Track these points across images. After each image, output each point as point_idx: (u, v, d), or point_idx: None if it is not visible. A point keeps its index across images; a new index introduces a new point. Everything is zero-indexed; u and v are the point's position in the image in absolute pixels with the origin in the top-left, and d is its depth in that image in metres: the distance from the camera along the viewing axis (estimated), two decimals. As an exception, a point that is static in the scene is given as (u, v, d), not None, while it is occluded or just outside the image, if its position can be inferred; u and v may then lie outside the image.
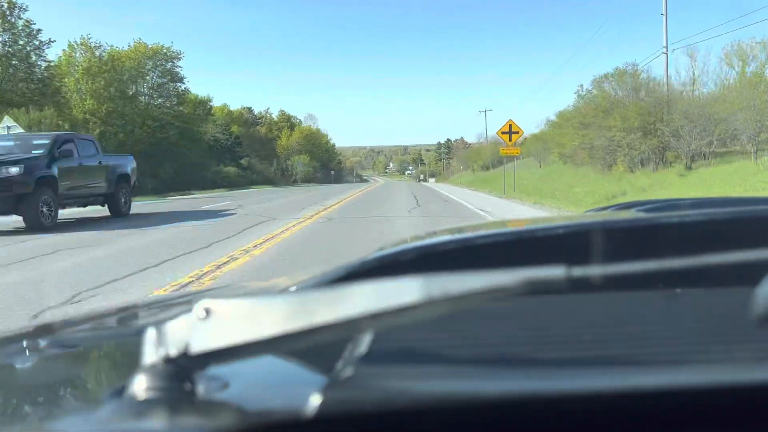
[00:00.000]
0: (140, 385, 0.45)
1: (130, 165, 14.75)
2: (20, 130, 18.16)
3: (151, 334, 0.46)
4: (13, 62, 35.29)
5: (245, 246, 8.19)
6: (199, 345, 0.44)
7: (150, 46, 45.61)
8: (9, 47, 35.26)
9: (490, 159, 62.58)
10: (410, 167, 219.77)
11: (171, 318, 0.46)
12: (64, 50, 39.15)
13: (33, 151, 11.68)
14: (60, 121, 32.87)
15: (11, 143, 12.32)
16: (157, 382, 0.44)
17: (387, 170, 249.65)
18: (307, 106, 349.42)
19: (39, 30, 36.62)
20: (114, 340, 0.85)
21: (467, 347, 0.60)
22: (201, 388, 0.46)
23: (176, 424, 0.42)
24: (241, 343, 0.43)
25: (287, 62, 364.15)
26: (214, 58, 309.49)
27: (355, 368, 0.51)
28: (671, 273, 0.43)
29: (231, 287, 1.57)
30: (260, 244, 8.47)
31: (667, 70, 26.85)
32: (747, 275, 0.49)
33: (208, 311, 0.45)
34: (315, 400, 0.43)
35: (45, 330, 0.92)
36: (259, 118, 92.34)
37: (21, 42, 35.60)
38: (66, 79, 38.13)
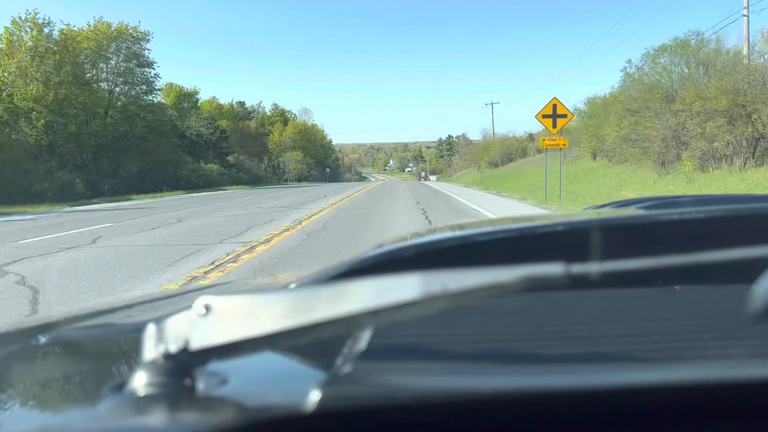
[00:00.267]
0: (140, 381, 0.45)
1: None
2: None
3: (151, 330, 0.46)
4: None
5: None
6: (199, 341, 0.44)
7: (114, 27, 38.68)
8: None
9: (499, 155, 55.86)
10: (410, 164, 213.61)
11: (171, 314, 0.46)
12: (6, 27, 32.33)
13: None
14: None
15: None
16: (157, 377, 0.44)
17: (387, 167, 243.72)
18: (306, 103, 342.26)
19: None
20: (114, 336, 0.84)
21: (466, 343, 0.60)
22: (201, 384, 0.46)
23: (176, 420, 0.42)
24: (240, 340, 0.43)
25: (285, 59, 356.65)
26: (211, 54, 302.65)
27: (355, 364, 0.51)
28: (669, 270, 0.43)
29: (231, 284, 1.56)
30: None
31: (748, 38, 20.28)
32: (744, 272, 0.49)
33: (207, 308, 0.45)
34: (314, 396, 0.43)
35: (45, 326, 0.91)
36: (251, 113, 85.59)
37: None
38: (5, 61, 31.23)
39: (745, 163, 17.09)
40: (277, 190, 31.91)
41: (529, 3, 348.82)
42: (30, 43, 32.93)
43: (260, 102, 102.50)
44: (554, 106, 15.96)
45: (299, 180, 74.72)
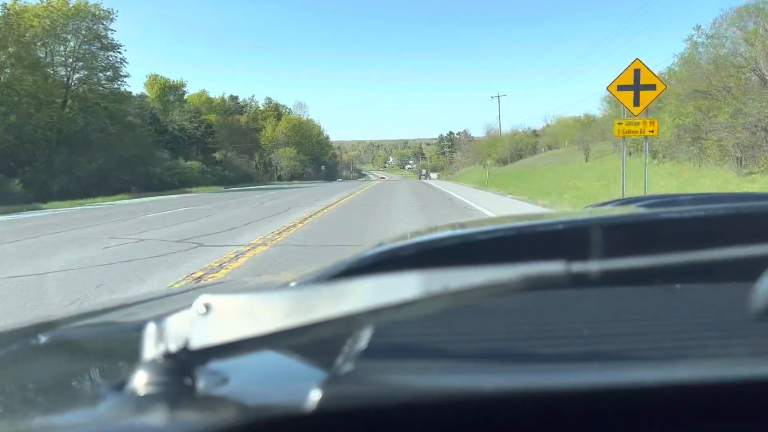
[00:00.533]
0: (140, 380, 0.44)
1: None
2: None
3: (151, 329, 0.45)
4: None
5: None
6: (199, 340, 0.44)
7: (72, 4, 32.79)
8: None
9: (508, 152, 50.19)
10: (410, 161, 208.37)
11: (171, 313, 0.46)
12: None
13: None
14: None
15: None
16: (157, 377, 0.44)
17: (387, 164, 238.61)
18: (305, 100, 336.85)
19: None
20: (114, 335, 0.84)
21: (467, 342, 0.60)
22: (201, 383, 0.46)
23: (176, 419, 0.41)
24: (240, 339, 0.43)
25: (284, 56, 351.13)
26: (210, 52, 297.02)
27: (355, 363, 0.51)
28: (670, 269, 0.42)
29: (231, 283, 1.51)
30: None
31: None
32: (745, 271, 0.49)
33: (208, 307, 0.44)
34: (315, 395, 0.43)
35: (45, 325, 0.90)
36: (243, 107, 79.76)
37: None
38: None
39: None
40: (251, 194, 25.94)
41: (530, 1, 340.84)
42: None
43: (253, 96, 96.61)
44: (636, 72, 10.16)
45: (292, 178, 69.06)
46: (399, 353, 0.56)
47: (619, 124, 10.65)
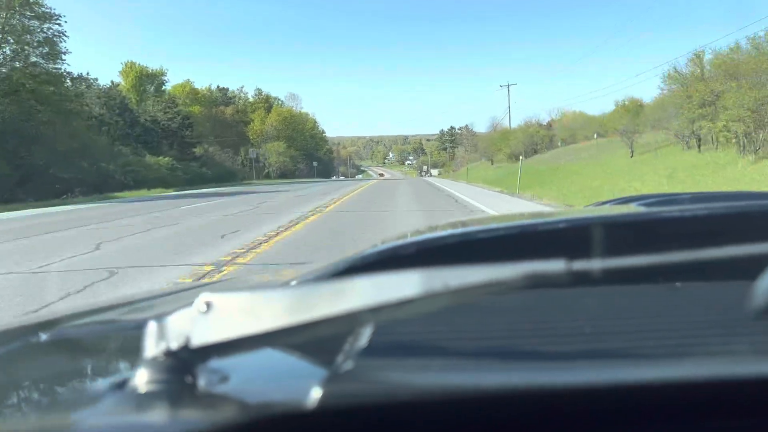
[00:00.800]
0: (142, 378, 0.44)
1: None
2: None
3: (152, 327, 0.45)
4: None
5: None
6: (200, 338, 0.44)
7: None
8: None
9: (522, 146, 43.44)
10: (410, 157, 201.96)
11: (172, 311, 0.46)
12: None
13: None
14: None
15: None
16: (158, 375, 0.44)
17: (386, 160, 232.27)
18: (304, 97, 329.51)
19: None
20: (116, 333, 0.84)
21: (468, 340, 0.60)
22: (202, 381, 0.46)
23: (177, 417, 0.41)
24: (241, 337, 0.43)
25: (283, 52, 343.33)
26: (209, 48, 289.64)
27: (356, 361, 0.51)
28: (671, 267, 0.42)
29: (232, 281, 1.53)
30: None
31: None
32: (746, 269, 0.49)
33: (208, 305, 0.44)
34: (315, 393, 0.43)
35: (47, 323, 0.90)
36: (231, 98, 72.72)
37: None
38: None
39: None
40: (199, 201, 18.27)
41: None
42: None
43: (242, 87, 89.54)
44: None
45: (282, 176, 62.21)
46: (400, 351, 0.55)
47: None
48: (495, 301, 0.69)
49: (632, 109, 33.28)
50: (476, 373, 0.49)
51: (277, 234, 8.78)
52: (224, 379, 0.48)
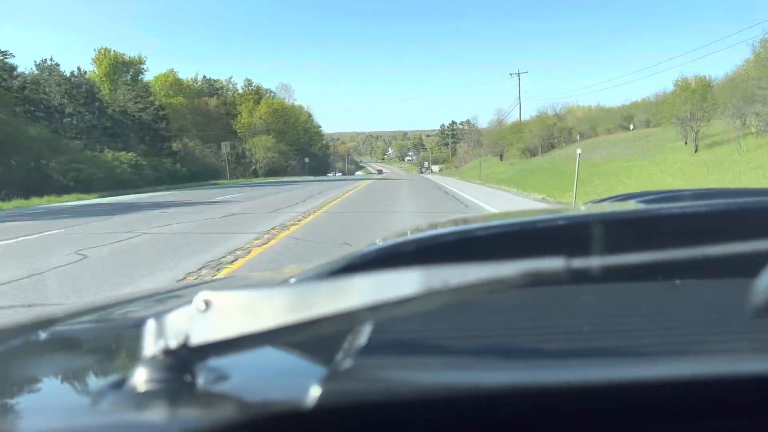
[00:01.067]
0: (140, 377, 0.44)
1: None
2: None
3: (151, 325, 0.45)
4: None
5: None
6: (199, 337, 0.43)
7: None
8: None
9: (539, 140, 37.58)
10: (410, 153, 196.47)
11: (171, 310, 0.46)
12: None
13: None
14: None
15: None
16: (157, 373, 0.44)
17: (385, 156, 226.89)
18: (303, 93, 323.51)
19: None
20: (114, 331, 0.84)
21: (467, 338, 0.60)
22: (201, 380, 0.45)
23: (176, 416, 0.41)
24: (240, 335, 0.43)
25: (282, 48, 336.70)
26: (206, 43, 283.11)
27: (355, 359, 0.51)
28: (670, 264, 0.42)
29: (232, 279, 1.53)
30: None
31: None
32: (746, 267, 0.49)
33: (207, 303, 0.44)
34: (315, 392, 0.43)
35: (46, 321, 0.90)
36: (218, 89, 66.66)
37: None
38: None
39: None
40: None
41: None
42: None
43: (230, 78, 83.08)
44: None
45: (271, 173, 56.28)
46: (399, 349, 0.55)
47: None
48: (494, 299, 0.69)
49: (698, 90, 26.43)
50: (476, 371, 0.49)
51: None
52: (223, 377, 0.47)
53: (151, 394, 0.43)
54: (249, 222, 10.52)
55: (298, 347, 0.53)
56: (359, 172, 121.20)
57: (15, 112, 28.23)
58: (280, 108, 67.77)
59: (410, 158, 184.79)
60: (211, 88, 66.90)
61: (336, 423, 0.43)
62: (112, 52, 53.45)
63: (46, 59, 38.68)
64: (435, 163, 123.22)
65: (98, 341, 0.78)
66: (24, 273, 5.93)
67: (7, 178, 22.84)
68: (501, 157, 48.63)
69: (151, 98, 45.98)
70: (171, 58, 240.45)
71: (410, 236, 0.81)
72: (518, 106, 52.16)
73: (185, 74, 77.16)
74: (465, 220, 1.05)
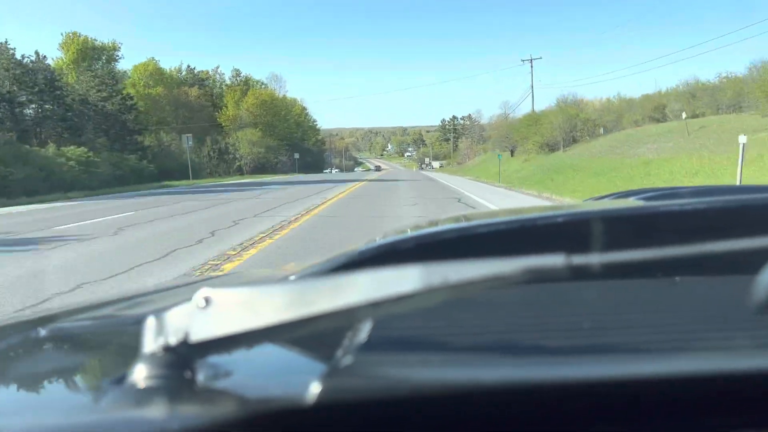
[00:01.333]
0: (140, 374, 0.44)
1: None
2: None
3: (150, 322, 0.45)
4: None
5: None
6: (199, 333, 0.43)
7: None
8: None
9: (560, 133, 31.81)
10: (410, 148, 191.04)
11: (171, 307, 0.45)
12: None
13: None
14: None
15: None
16: (157, 370, 0.44)
17: (385, 152, 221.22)
18: (303, 88, 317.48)
19: None
20: (114, 328, 0.84)
21: (467, 335, 0.60)
22: (201, 377, 0.45)
23: (176, 412, 0.41)
24: (240, 332, 0.43)
25: (280, 43, 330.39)
26: (198, 37, 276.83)
27: (355, 356, 0.51)
28: (670, 261, 0.42)
29: (232, 275, 1.56)
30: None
31: None
32: (746, 264, 0.49)
33: (207, 300, 0.44)
34: (315, 388, 0.43)
35: (45, 318, 0.89)
36: (203, 80, 60.81)
37: None
38: None
39: None
40: None
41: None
42: None
43: (217, 67, 77.13)
44: None
45: (259, 170, 50.58)
46: (399, 346, 0.55)
47: None
48: (494, 296, 0.69)
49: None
50: (476, 368, 0.49)
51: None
52: (223, 374, 0.47)
53: (150, 391, 0.43)
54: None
55: (297, 344, 0.53)
56: (358, 168, 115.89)
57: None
58: (270, 100, 62.10)
59: (410, 154, 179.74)
60: (196, 78, 61.19)
61: (336, 420, 0.43)
62: (81, 37, 47.60)
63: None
64: (435, 159, 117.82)
65: (98, 338, 0.78)
66: None
67: None
68: (512, 152, 42.91)
69: (119, 86, 40.26)
70: (169, 54, 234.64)
71: (410, 233, 0.80)
72: (530, 95, 46.31)
73: (171, 65, 71.16)
74: (466, 217, 1.05)
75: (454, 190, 20.76)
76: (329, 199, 16.17)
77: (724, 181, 13.44)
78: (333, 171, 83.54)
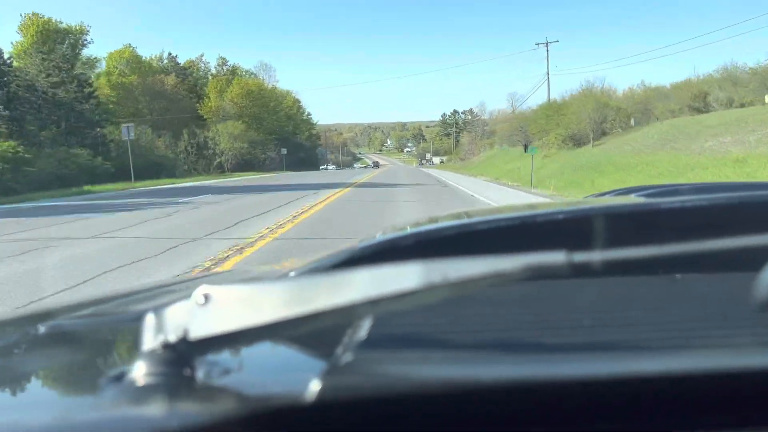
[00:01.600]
0: (140, 371, 0.44)
1: None
2: None
3: (150, 319, 0.45)
4: None
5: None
6: (199, 331, 0.43)
7: None
8: None
9: (589, 124, 26.24)
10: (409, 144, 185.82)
11: (170, 304, 0.45)
12: None
13: None
14: None
15: None
16: (156, 367, 0.43)
17: (384, 147, 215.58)
18: (302, 84, 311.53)
19: None
20: (113, 325, 0.83)
21: (467, 332, 0.59)
22: (200, 374, 0.45)
23: (176, 410, 0.41)
24: (240, 329, 0.42)
25: (279, 39, 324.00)
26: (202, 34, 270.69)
27: (355, 353, 0.50)
28: (671, 258, 0.42)
29: (232, 273, 1.48)
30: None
31: None
32: (747, 261, 0.48)
33: (207, 297, 0.43)
34: (315, 386, 0.43)
35: (44, 315, 0.89)
36: (185, 69, 55.14)
37: None
38: None
39: None
40: None
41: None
42: None
43: (201, 55, 71.72)
44: None
45: (245, 167, 45.05)
46: (399, 343, 0.55)
47: None
48: (495, 293, 0.69)
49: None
50: (476, 365, 0.48)
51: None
52: (223, 371, 0.47)
53: (150, 388, 0.42)
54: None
55: (297, 341, 0.53)
56: (357, 165, 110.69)
57: None
58: (257, 90, 56.65)
59: (409, 149, 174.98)
60: (178, 67, 55.66)
61: (336, 417, 0.43)
62: (42, 18, 41.88)
63: None
64: (436, 154, 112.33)
65: (97, 335, 0.77)
66: None
67: None
68: (525, 147, 37.37)
69: (76, 72, 34.67)
70: (156, 45, 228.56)
71: (410, 230, 0.80)
72: (546, 83, 40.94)
73: (152, 53, 65.48)
74: (467, 214, 1.05)
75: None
76: (300, 214, 9.94)
77: None
78: (329, 167, 78.27)
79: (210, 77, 58.97)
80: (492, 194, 16.43)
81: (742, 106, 25.54)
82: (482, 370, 0.47)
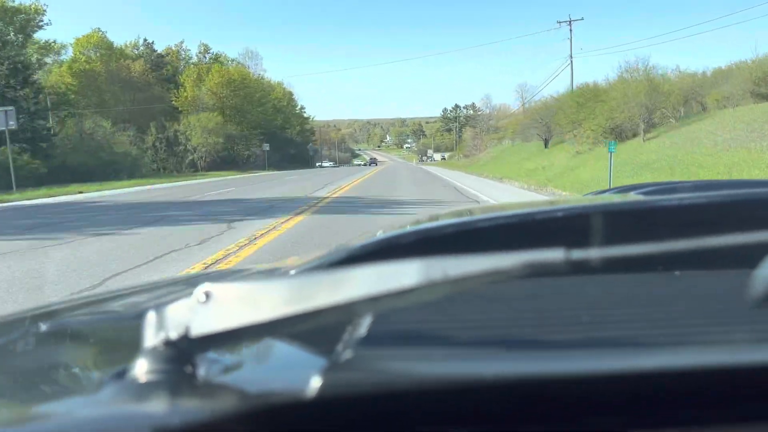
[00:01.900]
0: (141, 368, 0.44)
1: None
2: None
3: (151, 317, 0.45)
4: None
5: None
6: (200, 328, 0.43)
7: None
8: None
9: (638, 112, 20.01)
10: (409, 140, 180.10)
11: (171, 301, 0.45)
12: None
13: None
14: None
15: None
16: (157, 364, 0.43)
17: (383, 143, 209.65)
18: (299, 78, 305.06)
19: None
20: (115, 323, 0.83)
21: (467, 330, 0.59)
22: (201, 371, 0.45)
23: (177, 407, 0.41)
24: (241, 326, 0.42)
25: (277, 34, 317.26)
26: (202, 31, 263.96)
27: (355, 350, 0.51)
28: (670, 255, 0.42)
29: (232, 270, 1.48)
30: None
31: None
32: (746, 258, 0.49)
33: (208, 294, 0.44)
34: (315, 383, 0.43)
35: (46, 313, 0.89)
36: (163, 56, 48.90)
37: None
38: None
39: None
40: None
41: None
42: None
43: (181, 42, 65.41)
44: None
45: (225, 165, 39.04)
46: (399, 341, 0.55)
47: None
48: (494, 290, 0.69)
49: None
50: (476, 362, 0.48)
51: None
52: (224, 368, 0.47)
53: (151, 385, 0.42)
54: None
55: (298, 338, 0.52)
56: (357, 161, 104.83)
57: None
58: (239, 78, 50.06)
59: (409, 145, 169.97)
60: (154, 54, 49.58)
61: (336, 414, 0.43)
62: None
63: None
64: (437, 150, 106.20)
65: (98, 332, 0.77)
66: None
67: None
68: (546, 142, 31.46)
69: (11, 53, 28.52)
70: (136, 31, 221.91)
71: (410, 228, 0.80)
72: (569, 66, 34.94)
73: (128, 40, 59.24)
74: (468, 212, 1.05)
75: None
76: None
77: None
78: (325, 164, 72.54)
79: (192, 66, 52.97)
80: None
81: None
82: (483, 366, 0.46)
